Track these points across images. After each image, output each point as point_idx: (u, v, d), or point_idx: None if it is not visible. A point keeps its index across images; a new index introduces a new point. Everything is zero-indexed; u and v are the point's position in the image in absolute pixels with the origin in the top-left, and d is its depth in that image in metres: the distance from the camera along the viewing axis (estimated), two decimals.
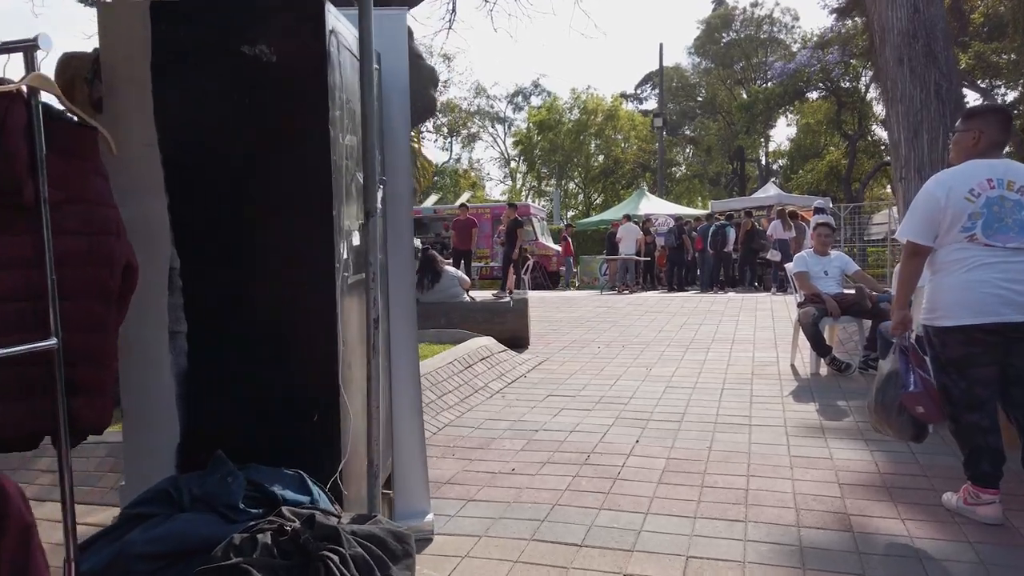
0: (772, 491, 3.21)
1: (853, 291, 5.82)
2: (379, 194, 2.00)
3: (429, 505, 2.89)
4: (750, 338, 7.56)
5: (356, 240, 2.17)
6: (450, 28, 13.27)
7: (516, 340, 7.15)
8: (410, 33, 8.12)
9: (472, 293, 14.08)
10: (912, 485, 3.28)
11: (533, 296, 13.08)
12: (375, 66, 2.48)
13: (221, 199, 1.99)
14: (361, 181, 2.28)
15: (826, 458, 3.67)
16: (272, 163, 1.95)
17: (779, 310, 9.79)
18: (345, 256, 1.99)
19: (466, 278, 7.49)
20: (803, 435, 4.07)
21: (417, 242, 12.98)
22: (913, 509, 2.99)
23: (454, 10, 12.69)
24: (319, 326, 1.96)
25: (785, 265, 6.28)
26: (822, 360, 5.67)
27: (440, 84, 51.24)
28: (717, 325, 8.53)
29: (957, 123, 3.11)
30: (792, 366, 6.03)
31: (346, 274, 2.07)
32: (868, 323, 5.73)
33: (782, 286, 13.68)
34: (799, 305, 5.92)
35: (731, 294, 12.95)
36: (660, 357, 6.56)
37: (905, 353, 3.02)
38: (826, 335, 5.76)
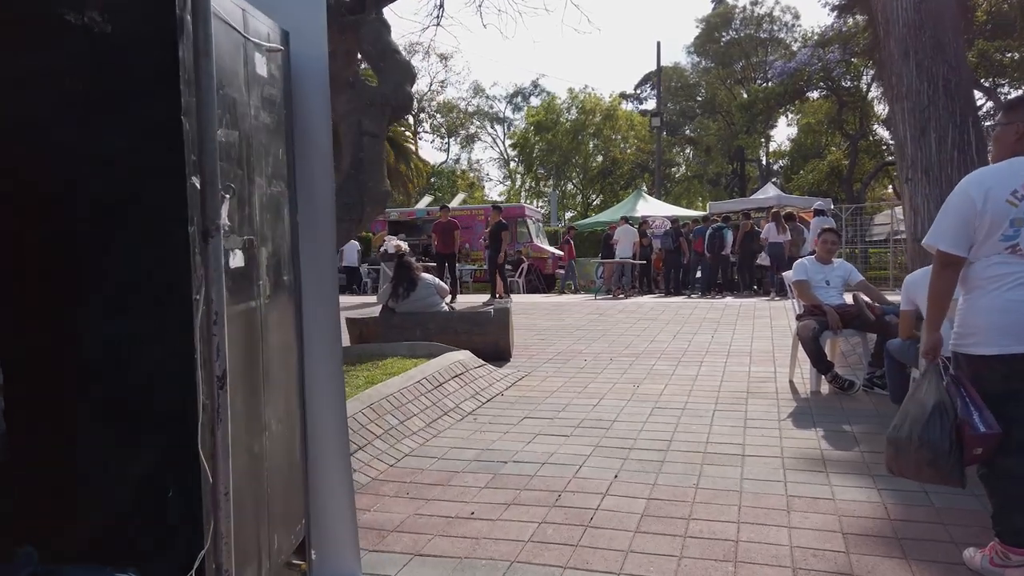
0: (765, 543, 2.77)
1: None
2: (224, 207, 1.56)
3: (359, 566, 2.46)
4: (746, 349, 7.12)
5: (237, 261, 1.74)
6: (438, 24, 12.86)
7: (497, 352, 6.71)
8: (386, 27, 7.70)
9: (466, 297, 13.65)
10: (928, 536, 2.84)
11: (524, 301, 12.65)
12: (279, 47, 2.05)
13: (38, 213, 1.54)
14: (257, 189, 1.84)
15: (828, 498, 3.23)
16: (106, 165, 1.51)
17: (778, 317, 9.35)
18: (211, 283, 1.54)
19: (444, 286, 7.04)
20: (802, 468, 3.63)
21: (404, 244, 12.52)
22: (930, 569, 2.55)
23: (441, 5, 12.30)
24: (170, 372, 1.51)
25: (784, 273, 5.80)
26: (823, 377, 5.23)
27: (439, 84, 50.90)
28: (712, 334, 8.09)
29: (998, 116, 2.67)
30: (791, 383, 5.59)
31: (214, 307, 1.63)
32: (873, 337, 5.29)
33: (781, 290, 13.26)
34: (798, 317, 5.48)
35: (728, 299, 12.50)
36: (649, 372, 6.12)
37: (959, 384, 2.53)
38: (827, 350, 5.32)
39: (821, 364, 5.15)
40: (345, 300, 14.41)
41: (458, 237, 12.63)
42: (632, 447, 4.02)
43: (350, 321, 7.30)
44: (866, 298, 5.36)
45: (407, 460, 3.91)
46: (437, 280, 7.00)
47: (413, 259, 12.70)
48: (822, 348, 5.17)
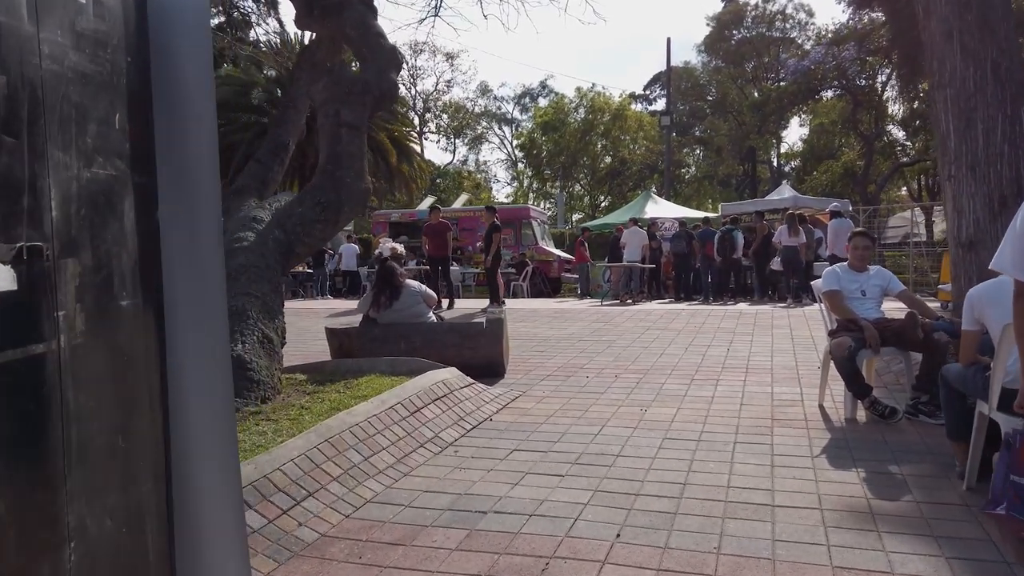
0: None
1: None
2: None
3: None
4: (767, 365, 6.43)
5: (4, 283, 1.09)
6: (436, 15, 12.23)
7: (490, 367, 6.05)
8: (372, 10, 7.05)
9: (467, 302, 12.97)
10: None
11: (525, 307, 11.98)
12: None
13: None
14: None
15: (885, 572, 2.55)
16: None
17: (798, 327, 8.66)
18: None
19: (431, 294, 6.38)
20: (847, 526, 2.95)
21: (399, 246, 11.88)
22: None
23: None
24: None
25: (814, 282, 5.11)
26: (859, 403, 4.55)
27: (445, 84, 50.24)
28: (728, 347, 7.40)
29: None
30: (821, 407, 4.90)
31: None
32: (917, 357, 4.60)
33: (797, 296, 12.55)
34: (831, 333, 4.79)
35: (742, 306, 11.80)
36: (659, 392, 5.44)
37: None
38: (864, 371, 4.63)
39: (858, 388, 4.46)
40: (347, 305, 13.79)
41: (451, 240, 11.96)
42: (639, 492, 3.35)
43: (329, 332, 6.66)
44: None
45: (368, 509, 3.25)
46: (423, 287, 6.34)
47: (397, 264, 12.15)
48: (859, 370, 4.48)
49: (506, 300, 14.31)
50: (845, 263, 5.04)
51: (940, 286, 9.85)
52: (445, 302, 11.57)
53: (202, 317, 1.62)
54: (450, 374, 5.14)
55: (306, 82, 6.57)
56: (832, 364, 4.73)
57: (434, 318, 6.33)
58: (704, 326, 8.96)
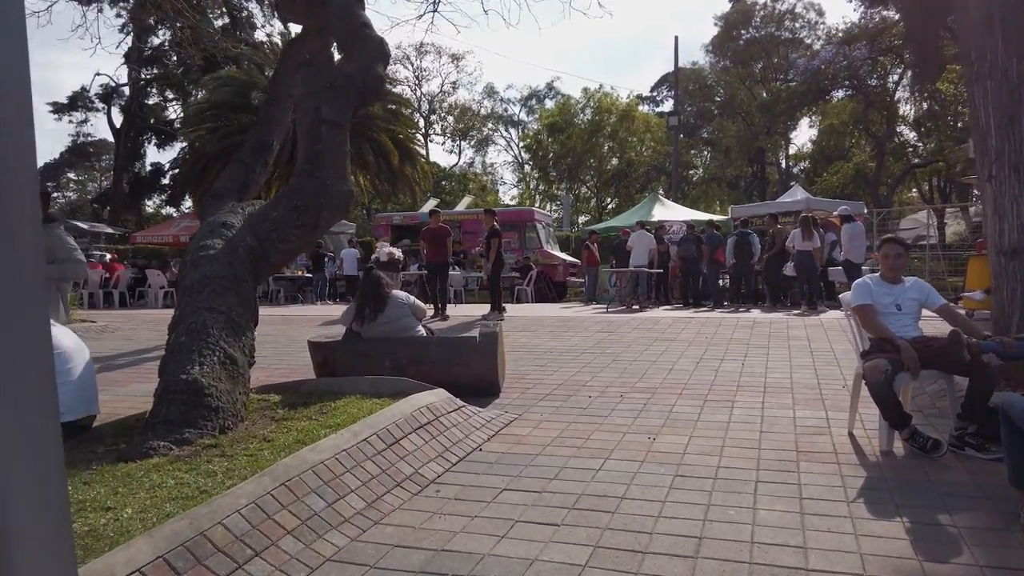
0: None
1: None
2: None
3: None
4: (786, 383, 5.90)
5: None
6: (435, 11, 11.74)
7: (483, 386, 5.55)
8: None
9: (470, 308, 12.40)
10: None
11: (528, 315, 11.48)
12: None
13: None
14: None
15: None
16: None
17: (817, 339, 8.12)
18: None
19: (421, 306, 5.88)
20: None
21: (397, 251, 11.40)
22: None
23: None
24: None
25: (842, 295, 4.57)
26: (896, 433, 4.02)
27: (451, 85, 49.78)
28: (742, 361, 6.88)
29: None
30: (850, 435, 4.37)
31: None
32: (962, 381, 4.07)
33: (812, 303, 12.01)
34: (863, 354, 4.26)
35: (755, 314, 11.25)
36: (668, 416, 4.92)
37: None
38: (901, 396, 4.10)
39: (896, 417, 3.93)
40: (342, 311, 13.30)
41: (451, 245, 11.44)
42: (646, 549, 2.84)
43: (312, 345, 6.18)
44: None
45: (326, 569, 2.75)
46: (412, 298, 5.84)
47: (396, 269, 11.64)
48: (896, 397, 3.95)
49: (508, 306, 13.82)
50: (876, 274, 4.51)
51: (966, 293, 9.29)
52: (430, 310, 11.05)
53: (13, 356, 1.11)
54: (437, 397, 4.63)
55: (286, 76, 6.08)
56: (861, 385, 4.21)
57: (423, 331, 5.83)
58: (716, 337, 8.43)
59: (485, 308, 11.86)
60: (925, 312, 4.44)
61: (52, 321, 4.24)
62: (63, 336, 4.01)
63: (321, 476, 3.26)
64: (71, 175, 53.85)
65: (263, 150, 6.57)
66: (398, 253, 11.84)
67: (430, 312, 10.94)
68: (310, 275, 19.66)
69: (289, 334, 9.75)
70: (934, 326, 4.96)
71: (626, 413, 5.03)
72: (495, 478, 3.74)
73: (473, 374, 5.51)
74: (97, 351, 8.76)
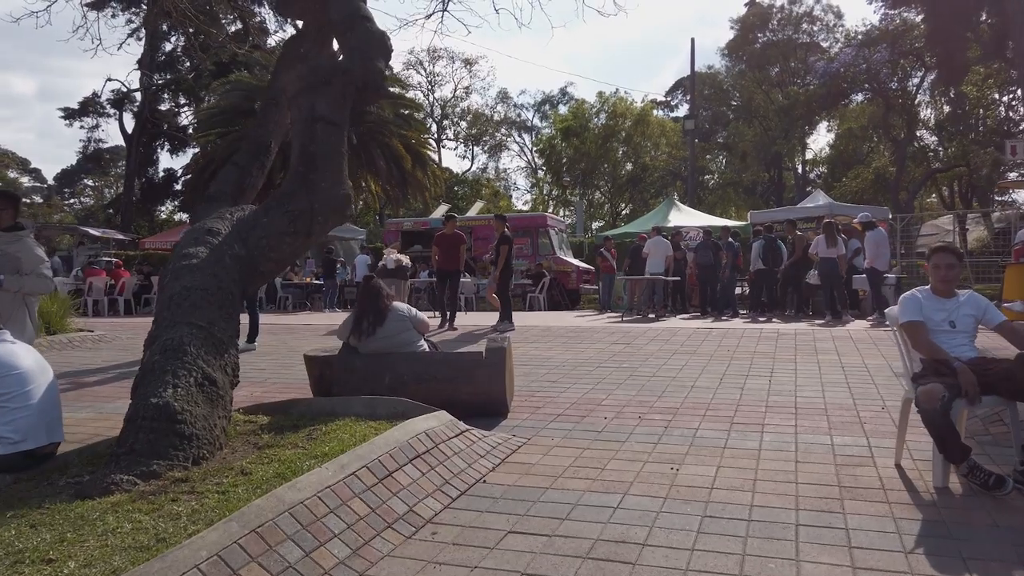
0: None
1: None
2: None
3: None
4: (818, 402, 5.44)
5: None
6: (445, 10, 11.38)
7: (490, 406, 5.14)
8: None
9: (480, 316, 11.95)
10: None
11: (539, 324, 11.05)
12: None
13: None
14: None
15: None
16: None
17: (846, 352, 7.64)
18: None
19: (423, 319, 5.47)
20: None
21: (404, 257, 11.00)
22: None
23: None
24: None
25: (888, 309, 4.10)
26: (952, 465, 3.56)
27: (464, 90, 49.50)
28: (769, 377, 6.42)
29: None
30: (898, 467, 3.91)
31: None
32: None
33: (837, 312, 11.51)
34: (915, 377, 3.80)
35: (779, 324, 10.76)
36: (692, 442, 4.48)
37: None
38: (957, 424, 3.64)
39: (954, 450, 3.47)
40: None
41: (464, 252, 11.02)
42: None
43: (309, 360, 5.80)
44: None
45: None
46: (413, 311, 5.43)
47: (403, 277, 11.24)
48: (953, 426, 3.49)
49: (519, 314, 13.40)
50: (927, 287, 4.05)
51: (1005, 304, 8.76)
52: (435, 319, 10.62)
53: None
54: (437, 421, 4.21)
55: (283, 74, 5.72)
56: (910, 411, 3.76)
57: (426, 346, 5.42)
58: (738, 349, 7.97)
59: (494, 317, 11.42)
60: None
61: (11, 338, 3.87)
62: (23, 355, 3.64)
63: (299, 519, 2.85)
64: (88, 181, 54.14)
65: (260, 152, 6.20)
66: (406, 260, 11.46)
67: (435, 323, 10.55)
68: (319, 282, 19.34)
69: (291, 345, 9.38)
70: (990, 339, 4.50)
71: (645, 438, 4.59)
72: (500, 517, 3.32)
73: (479, 393, 5.09)
74: (90, 363, 8.45)
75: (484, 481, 3.83)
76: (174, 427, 3.45)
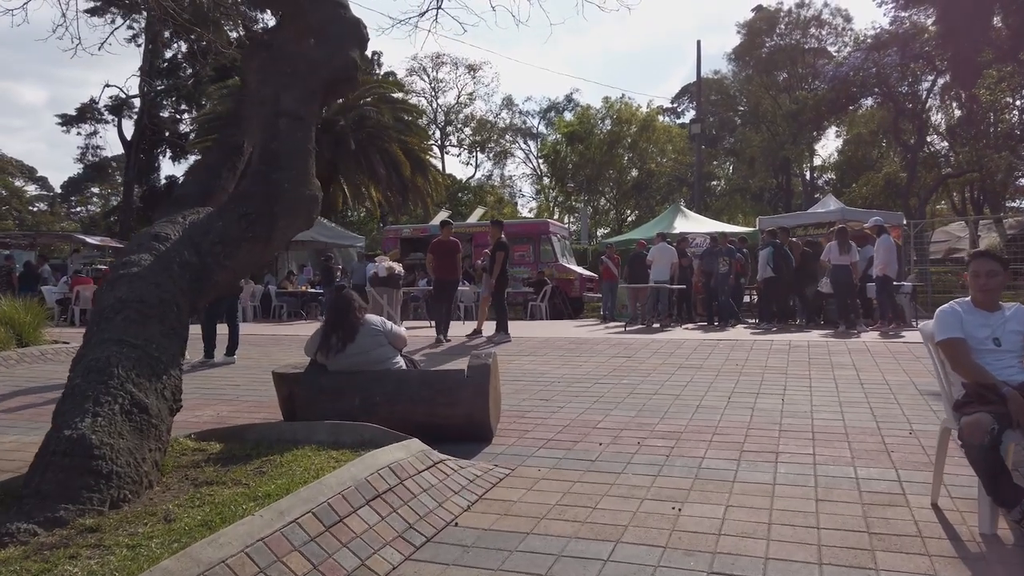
0: None
1: None
2: None
3: None
4: (838, 426, 4.91)
5: None
6: (439, 8, 10.93)
7: (472, 429, 4.63)
8: None
9: (474, 327, 11.31)
10: None
11: (538, 335, 10.53)
12: None
13: None
14: None
15: None
16: None
17: (864, 366, 7.11)
18: None
19: (401, 333, 4.96)
20: None
21: (397, 265, 10.50)
22: None
23: None
24: None
25: (921, 324, 3.55)
26: (1001, 510, 3.03)
27: (468, 96, 49.09)
28: (782, 395, 5.89)
29: None
30: (935, 507, 3.38)
31: None
32: None
33: (851, 322, 10.96)
34: (957, 405, 3.27)
35: (789, 336, 10.21)
36: (697, 474, 3.95)
37: None
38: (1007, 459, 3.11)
39: (1005, 491, 2.94)
40: None
41: (460, 260, 10.52)
42: None
43: (277, 377, 5.32)
44: None
45: None
46: (390, 324, 4.93)
47: (395, 284, 10.74)
48: (1003, 463, 2.97)
49: (519, 323, 12.89)
50: (966, 299, 3.52)
51: None
52: (422, 331, 10.11)
53: None
54: (406, 452, 3.71)
55: (244, 62, 5.24)
56: (948, 443, 3.24)
57: (402, 363, 4.92)
58: (747, 363, 7.44)
59: (490, 327, 10.91)
60: None
61: None
62: None
63: None
64: (95, 189, 53.94)
65: (232, 153, 5.72)
66: (398, 268, 10.98)
67: (413, 332, 10.04)
68: (314, 290, 18.89)
69: (274, 357, 8.89)
70: None
71: (644, 468, 4.07)
72: (468, 573, 2.80)
73: (460, 416, 4.58)
74: (60, 377, 7.95)
75: (456, 524, 3.31)
76: (90, 464, 2.95)
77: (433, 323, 11.05)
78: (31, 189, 53.85)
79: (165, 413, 3.50)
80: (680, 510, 3.41)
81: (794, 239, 13.61)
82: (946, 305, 3.46)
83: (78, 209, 55.20)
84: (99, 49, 9.96)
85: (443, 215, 23.50)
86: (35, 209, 53.11)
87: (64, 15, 8.74)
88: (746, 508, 3.42)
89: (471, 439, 4.61)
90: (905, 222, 16.26)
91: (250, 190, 4.44)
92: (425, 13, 13.22)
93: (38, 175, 54.75)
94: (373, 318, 4.84)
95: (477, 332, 10.50)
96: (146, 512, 2.91)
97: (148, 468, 3.23)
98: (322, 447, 3.88)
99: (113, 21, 29.53)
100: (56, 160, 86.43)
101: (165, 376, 3.58)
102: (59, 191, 54.65)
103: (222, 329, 8.60)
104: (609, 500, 3.58)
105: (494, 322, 10.34)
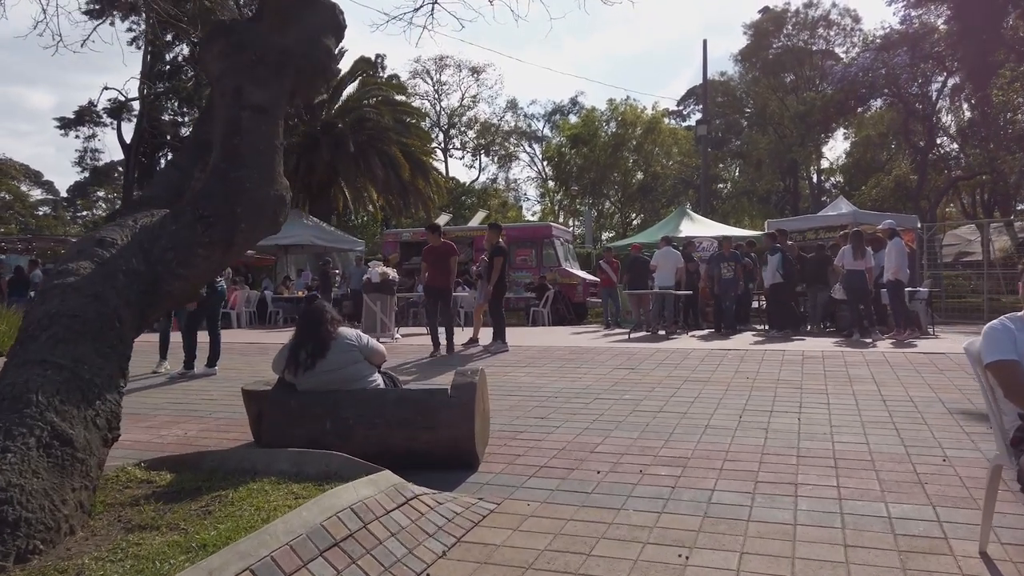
0: None
1: None
2: None
3: None
4: (862, 451, 4.44)
5: None
6: (435, 2, 10.49)
7: (456, 456, 4.17)
8: None
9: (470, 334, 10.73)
10: None
11: (536, 344, 10.06)
12: None
13: None
14: None
15: None
16: None
17: (885, 380, 6.62)
18: None
19: (379, 349, 4.50)
20: None
21: (391, 271, 10.04)
22: None
23: None
24: None
25: (966, 344, 3.06)
26: None
27: (471, 99, 48.67)
28: (798, 414, 5.42)
29: None
30: (983, 557, 2.90)
31: None
32: None
33: (865, 330, 10.46)
34: (1015, 441, 2.80)
35: (803, 345, 9.71)
36: (706, 510, 3.49)
37: None
38: None
39: None
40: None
41: (455, 266, 10.05)
42: None
43: (247, 395, 4.90)
44: None
45: None
46: (367, 339, 4.47)
47: (391, 290, 10.27)
48: None
49: (519, 330, 12.44)
50: (1017, 313, 3.05)
51: None
52: (412, 338, 9.65)
53: None
54: (374, 488, 3.25)
55: (203, 49, 4.79)
56: (999, 482, 2.77)
57: (380, 381, 4.46)
58: (759, 376, 6.96)
59: (488, 334, 10.45)
60: None
61: None
62: None
63: None
64: (100, 193, 53.74)
65: (204, 151, 5.29)
66: (393, 274, 10.54)
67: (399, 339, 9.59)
68: (314, 295, 18.46)
69: (257, 368, 8.45)
70: None
71: (647, 503, 3.61)
72: None
73: (442, 440, 4.13)
74: None
75: (428, 574, 2.86)
76: None
77: (428, 330, 10.60)
78: (36, 193, 53.74)
79: (96, 445, 3.05)
80: (687, 558, 2.95)
81: (791, 242, 13.10)
82: (995, 321, 2.99)
83: (84, 213, 55.01)
84: (81, 47, 9.55)
85: (444, 219, 23.06)
86: (40, 213, 52.95)
87: (44, 11, 8.35)
88: (763, 556, 2.95)
89: (455, 466, 4.16)
90: (919, 225, 15.75)
91: (209, 189, 4.00)
92: (420, 8, 12.72)
93: (44, 179, 54.66)
94: (348, 331, 4.38)
95: (473, 341, 10.07)
96: (55, 569, 2.47)
97: (69, 511, 2.78)
98: (283, 479, 3.44)
99: (108, 21, 29.24)
100: (63, 165, 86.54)
101: (98, 402, 3.13)
102: (65, 195, 54.51)
103: (205, 337, 8.18)
104: (606, 544, 3.11)
105: (492, 329, 9.88)
